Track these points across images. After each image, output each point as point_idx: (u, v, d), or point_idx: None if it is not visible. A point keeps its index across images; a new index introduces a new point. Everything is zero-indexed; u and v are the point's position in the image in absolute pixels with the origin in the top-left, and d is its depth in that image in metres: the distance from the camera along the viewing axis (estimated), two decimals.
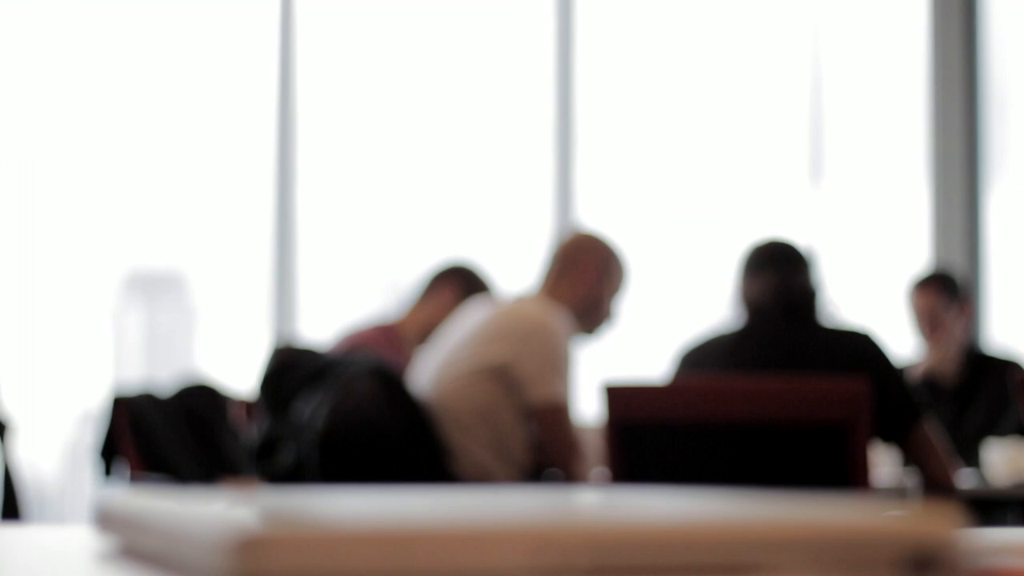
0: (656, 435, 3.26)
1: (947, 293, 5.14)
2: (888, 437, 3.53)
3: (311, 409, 3.67)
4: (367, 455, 3.65)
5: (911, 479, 3.83)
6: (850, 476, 3.13)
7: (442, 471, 3.78)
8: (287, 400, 3.74)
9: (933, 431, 3.57)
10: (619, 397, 3.27)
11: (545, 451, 3.86)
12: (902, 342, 5.43)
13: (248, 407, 4.14)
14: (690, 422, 3.21)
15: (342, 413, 3.64)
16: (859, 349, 3.50)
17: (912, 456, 3.57)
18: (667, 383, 3.48)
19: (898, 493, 4.05)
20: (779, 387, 3.21)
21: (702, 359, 3.61)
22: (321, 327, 6.21)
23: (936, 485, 3.58)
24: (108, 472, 4.19)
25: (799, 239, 3.78)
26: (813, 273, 3.66)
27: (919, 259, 6.84)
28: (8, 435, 3.50)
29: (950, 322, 5.09)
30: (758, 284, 3.61)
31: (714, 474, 3.18)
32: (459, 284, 4.50)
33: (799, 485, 3.08)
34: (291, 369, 3.76)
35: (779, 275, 3.61)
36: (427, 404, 3.85)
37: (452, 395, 3.82)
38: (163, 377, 5.07)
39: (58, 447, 6.57)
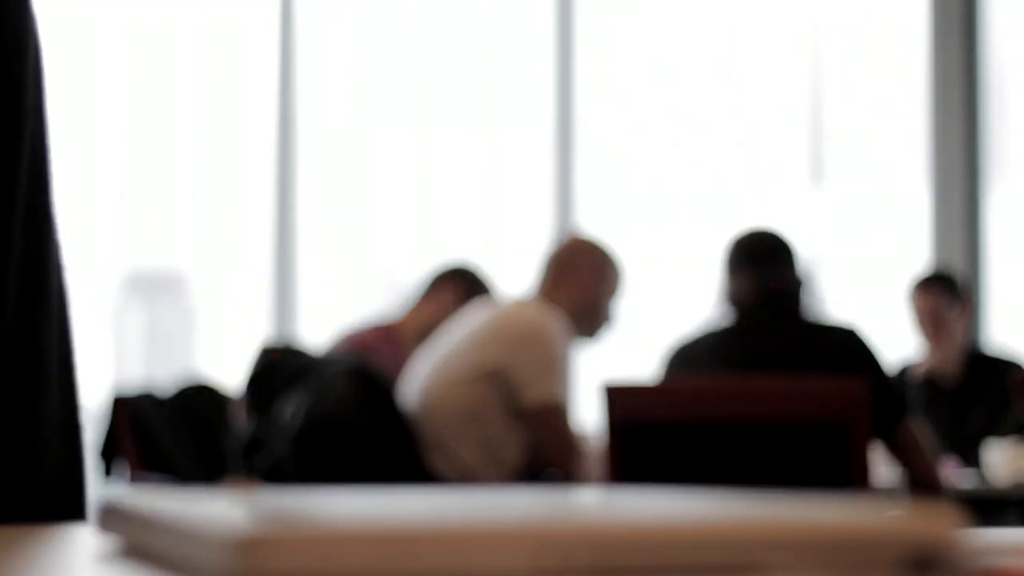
0: (656, 435, 3.26)
1: (950, 293, 5.14)
2: (874, 434, 3.53)
3: (291, 409, 3.69)
4: (342, 455, 3.67)
5: (897, 477, 3.83)
6: (850, 476, 3.13)
7: (420, 471, 3.78)
8: (271, 400, 3.76)
9: (919, 428, 3.57)
10: (619, 397, 3.27)
11: (544, 452, 3.86)
12: (902, 342, 5.43)
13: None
14: (690, 422, 3.21)
15: (317, 413, 3.66)
16: (846, 346, 3.50)
17: (897, 453, 3.57)
18: (667, 383, 3.48)
19: (894, 492, 4.05)
20: (779, 387, 3.21)
21: (690, 359, 3.62)
22: (321, 327, 6.20)
23: (921, 483, 3.58)
24: (108, 472, 4.19)
25: (781, 231, 3.78)
26: (795, 265, 3.66)
27: (919, 259, 6.84)
28: None
29: (952, 322, 5.09)
30: (741, 282, 3.63)
31: (714, 474, 3.18)
32: (460, 286, 4.50)
33: (799, 485, 3.08)
34: (276, 369, 3.78)
35: (761, 272, 3.62)
36: (409, 405, 3.87)
37: (444, 395, 3.83)
38: (163, 377, 5.07)
39: None
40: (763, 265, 3.62)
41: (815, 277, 3.72)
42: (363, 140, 6.85)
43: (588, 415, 4.23)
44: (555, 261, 4.06)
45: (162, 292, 6.79)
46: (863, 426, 3.13)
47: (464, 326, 3.95)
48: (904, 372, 5.20)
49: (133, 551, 0.65)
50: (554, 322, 3.85)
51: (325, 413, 3.66)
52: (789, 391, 3.18)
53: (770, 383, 3.26)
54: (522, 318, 3.86)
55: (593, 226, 6.55)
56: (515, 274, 5.77)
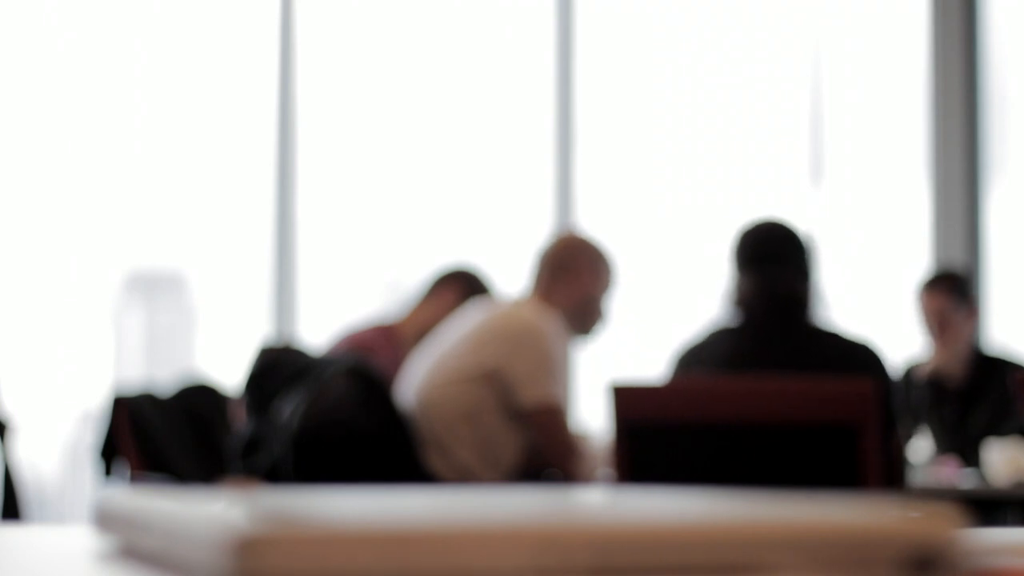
0: (664, 435, 3.25)
1: (957, 294, 5.13)
2: None
3: (290, 409, 3.68)
4: (340, 455, 3.67)
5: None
6: (860, 477, 3.12)
7: (418, 471, 3.78)
8: (270, 400, 3.75)
9: (898, 446, 3.57)
10: (626, 397, 3.26)
11: (542, 452, 3.86)
12: (903, 342, 5.43)
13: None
14: (698, 422, 3.20)
15: (316, 413, 3.65)
16: (861, 359, 3.48)
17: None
18: (675, 383, 3.47)
19: (902, 494, 4.04)
20: (788, 387, 3.20)
21: (699, 360, 3.59)
22: (321, 327, 6.21)
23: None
24: (108, 472, 4.19)
25: (789, 221, 3.74)
26: (805, 262, 3.61)
27: (919, 259, 6.84)
28: (8, 435, 3.50)
29: (959, 323, 5.09)
30: (749, 281, 3.57)
31: (722, 475, 3.18)
32: (461, 287, 4.50)
33: (808, 486, 3.07)
34: (275, 369, 3.78)
35: (770, 272, 3.57)
36: (407, 405, 3.86)
37: (440, 396, 3.83)
38: (163, 377, 5.07)
39: (58, 447, 6.57)
40: (772, 264, 3.58)
41: (820, 271, 3.69)
42: (363, 140, 6.85)
43: (588, 415, 4.23)
44: (549, 259, 4.04)
45: (162, 292, 6.79)
46: (873, 427, 3.12)
47: (461, 326, 3.94)
48: (908, 372, 5.19)
49: (132, 551, 0.65)
50: (551, 322, 3.84)
51: (324, 413, 3.66)
52: (798, 392, 3.17)
53: (779, 384, 3.25)
54: (519, 319, 3.85)
55: (593, 226, 6.55)
56: (515, 274, 5.77)
